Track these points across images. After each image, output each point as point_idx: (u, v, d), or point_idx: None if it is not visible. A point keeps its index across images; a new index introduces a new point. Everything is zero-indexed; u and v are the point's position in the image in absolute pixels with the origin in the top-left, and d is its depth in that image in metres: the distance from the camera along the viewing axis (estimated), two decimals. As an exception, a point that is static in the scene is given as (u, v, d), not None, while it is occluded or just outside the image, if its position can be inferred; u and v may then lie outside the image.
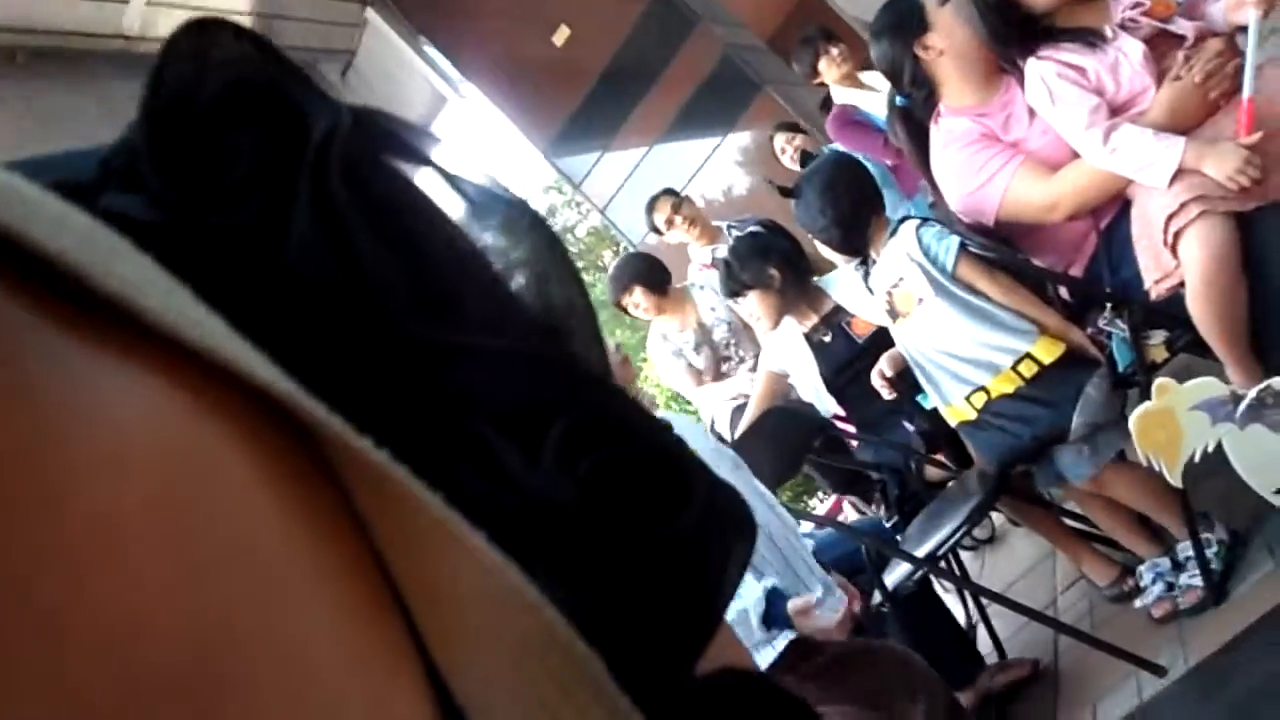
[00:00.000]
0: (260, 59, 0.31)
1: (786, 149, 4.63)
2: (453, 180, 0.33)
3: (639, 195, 5.53)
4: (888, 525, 2.94)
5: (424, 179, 0.33)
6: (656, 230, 4.67)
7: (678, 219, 4.54)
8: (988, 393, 2.52)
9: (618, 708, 0.28)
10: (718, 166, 6.37)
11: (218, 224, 0.28)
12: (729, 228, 4.70)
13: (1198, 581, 2.33)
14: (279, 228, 0.28)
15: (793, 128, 4.75)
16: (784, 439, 2.75)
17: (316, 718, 0.24)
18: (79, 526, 0.21)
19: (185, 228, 0.27)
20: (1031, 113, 2.55)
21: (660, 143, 6.33)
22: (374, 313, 0.28)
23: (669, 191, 4.67)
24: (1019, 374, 2.47)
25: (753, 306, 3.12)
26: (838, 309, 3.17)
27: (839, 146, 4.40)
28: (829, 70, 4.57)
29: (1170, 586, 2.47)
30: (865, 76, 4.64)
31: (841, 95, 4.59)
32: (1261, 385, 1.88)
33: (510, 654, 0.27)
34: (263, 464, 0.26)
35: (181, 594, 0.22)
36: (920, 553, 2.42)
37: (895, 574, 2.46)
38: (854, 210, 2.67)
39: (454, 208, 0.33)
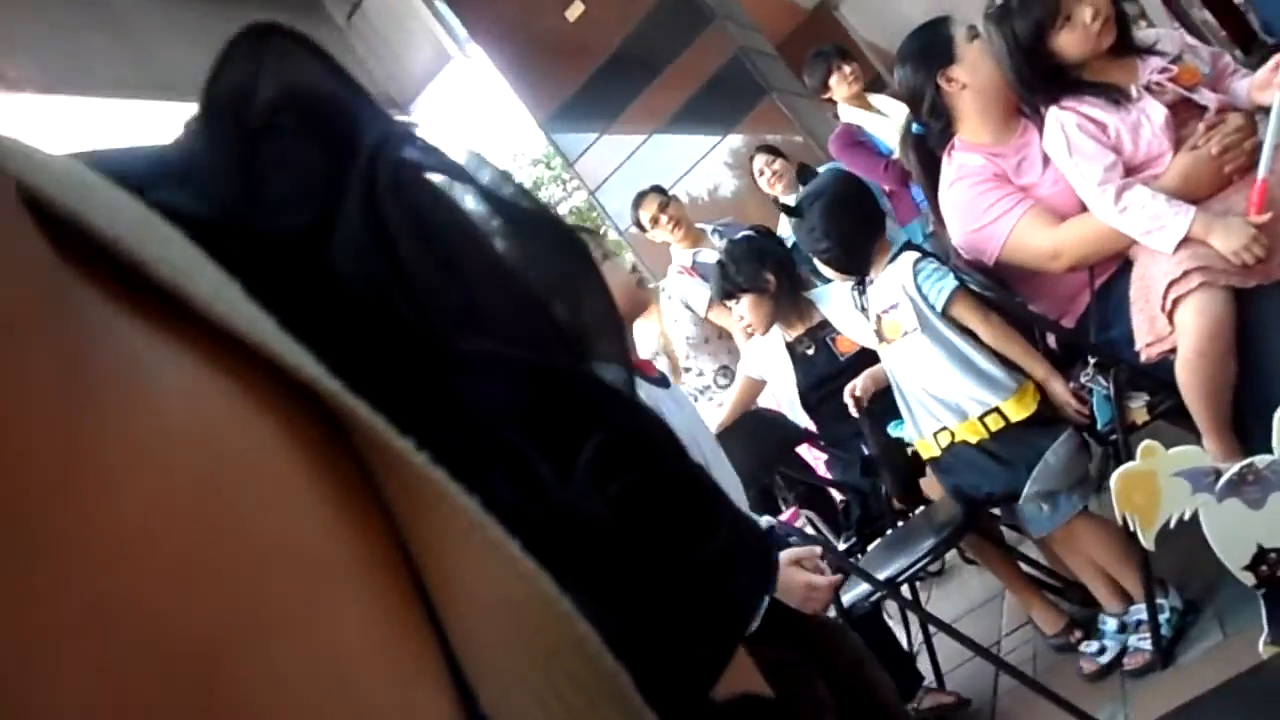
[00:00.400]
0: (316, 67, 0.32)
1: (765, 171, 4.62)
2: (495, 200, 0.34)
3: (631, 182, 5.51)
4: (843, 546, 2.95)
5: (466, 196, 0.33)
6: (640, 226, 4.65)
7: (663, 218, 4.54)
8: (952, 435, 2.55)
9: None
10: (712, 166, 6.37)
11: (267, 227, 0.28)
12: (714, 231, 4.70)
13: (1146, 645, 2.37)
14: (326, 234, 0.29)
15: (773, 150, 4.74)
16: (760, 442, 2.75)
17: (342, 712, 0.24)
18: (129, 513, 0.22)
19: (236, 227, 0.28)
20: (1045, 160, 2.56)
21: (659, 133, 6.31)
22: (414, 319, 0.29)
23: (657, 189, 4.66)
24: (984, 425, 2.50)
25: (744, 310, 3.12)
26: (824, 323, 3.17)
27: (838, 165, 4.42)
28: (839, 87, 4.58)
29: (1102, 650, 2.53)
30: (874, 99, 4.65)
31: (848, 114, 4.60)
32: (1244, 462, 1.90)
33: (538, 663, 0.27)
34: (304, 460, 0.26)
35: (222, 585, 0.23)
36: (881, 576, 2.43)
37: (853, 593, 2.48)
38: (858, 230, 2.68)
39: (494, 225, 0.33)
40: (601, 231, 6.47)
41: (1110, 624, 2.54)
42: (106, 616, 0.21)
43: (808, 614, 1.67)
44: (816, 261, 2.81)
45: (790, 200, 4.53)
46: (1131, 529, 2.03)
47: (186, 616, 0.22)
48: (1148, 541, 2.02)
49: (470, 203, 0.33)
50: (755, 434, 2.81)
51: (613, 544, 0.29)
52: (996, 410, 2.48)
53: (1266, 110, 2.31)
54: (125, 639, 0.21)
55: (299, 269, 0.28)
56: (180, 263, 0.25)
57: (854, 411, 2.88)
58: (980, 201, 2.60)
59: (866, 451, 2.92)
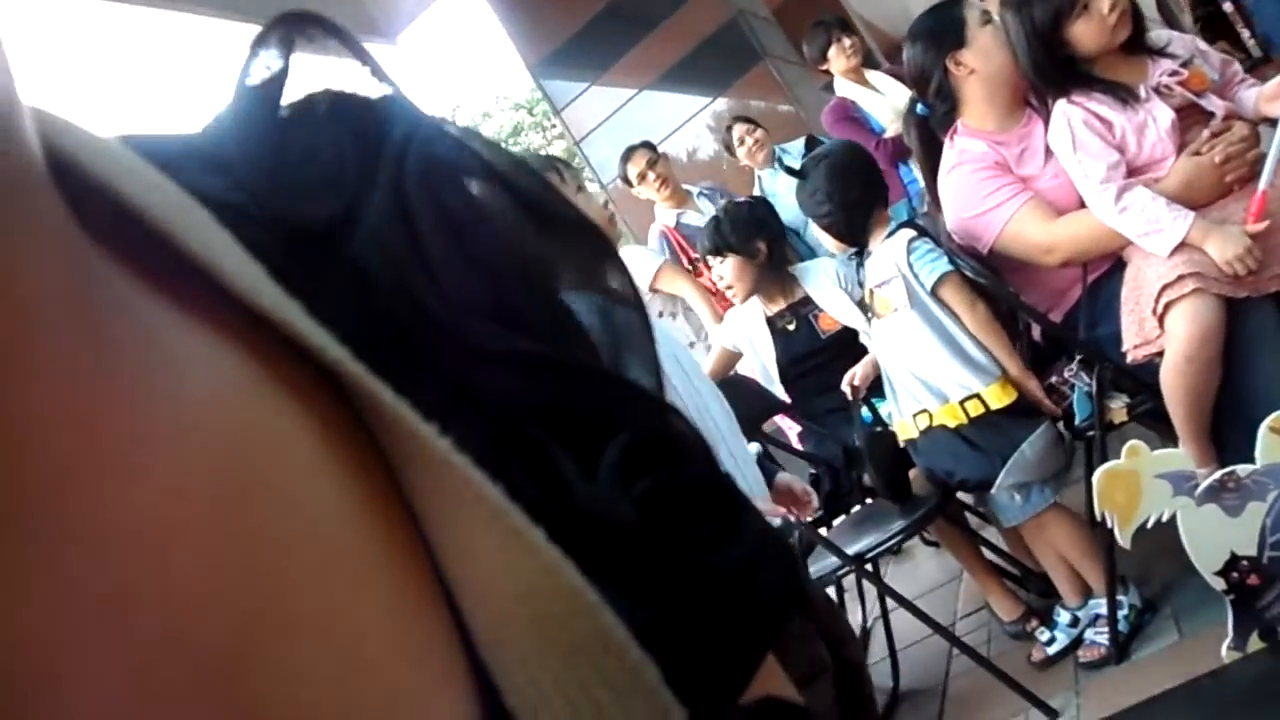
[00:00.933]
0: (347, 57, 0.32)
1: (746, 140, 4.59)
2: (520, 195, 0.33)
3: (617, 136, 5.46)
4: (809, 519, 2.97)
5: (492, 191, 0.33)
6: (627, 181, 4.61)
7: (651, 175, 4.50)
8: (930, 418, 2.56)
9: (672, 718, 0.27)
10: (699, 127, 6.32)
11: (294, 215, 0.28)
12: (700, 194, 4.68)
13: (1103, 638, 2.41)
14: (352, 224, 0.29)
15: (751, 120, 4.71)
16: (741, 408, 2.74)
17: (363, 708, 0.24)
18: (151, 502, 0.21)
19: (263, 214, 0.28)
20: (1048, 152, 2.56)
21: (650, 89, 6.25)
22: (439, 311, 0.28)
23: (647, 145, 4.62)
24: (964, 410, 2.51)
25: (728, 271, 3.10)
26: (807, 300, 3.17)
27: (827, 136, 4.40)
28: (838, 59, 4.55)
29: (1052, 640, 2.58)
30: (870, 76, 4.63)
31: (844, 88, 4.58)
32: (1225, 470, 1.93)
33: (563, 655, 0.26)
34: (328, 447, 0.26)
35: (245, 573, 0.23)
36: (850, 551, 2.45)
37: (820, 565, 2.49)
38: (860, 198, 2.67)
39: (518, 220, 0.33)
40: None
41: (1064, 616, 2.59)
42: (130, 609, 0.20)
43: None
44: (814, 227, 2.80)
45: (768, 172, 4.55)
46: (1109, 526, 2.06)
47: (211, 608, 0.22)
48: (1124, 540, 2.04)
49: (495, 197, 0.33)
50: (734, 401, 2.80)
51: (637, 545, 0.29)
52: (977, 396, 2.49)
53: (1272, 122, 2.32)
54: (149, 632, 0.21)
55: (324, 258, 0.28)
56: (208, 240, 0.25)
57: (850, 397, 2.90)
58: (980, 189, 2.60)
59: (856, 442, 2.92)
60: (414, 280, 0.28)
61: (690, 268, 4.31)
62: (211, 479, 0.23)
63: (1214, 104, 2.42)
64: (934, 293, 2.53)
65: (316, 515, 0.25)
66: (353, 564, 0.25)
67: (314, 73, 0.31)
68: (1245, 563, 1.90)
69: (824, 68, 4.64)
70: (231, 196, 0.28)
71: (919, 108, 2.81)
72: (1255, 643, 1.97)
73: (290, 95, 0.30)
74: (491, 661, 0.26)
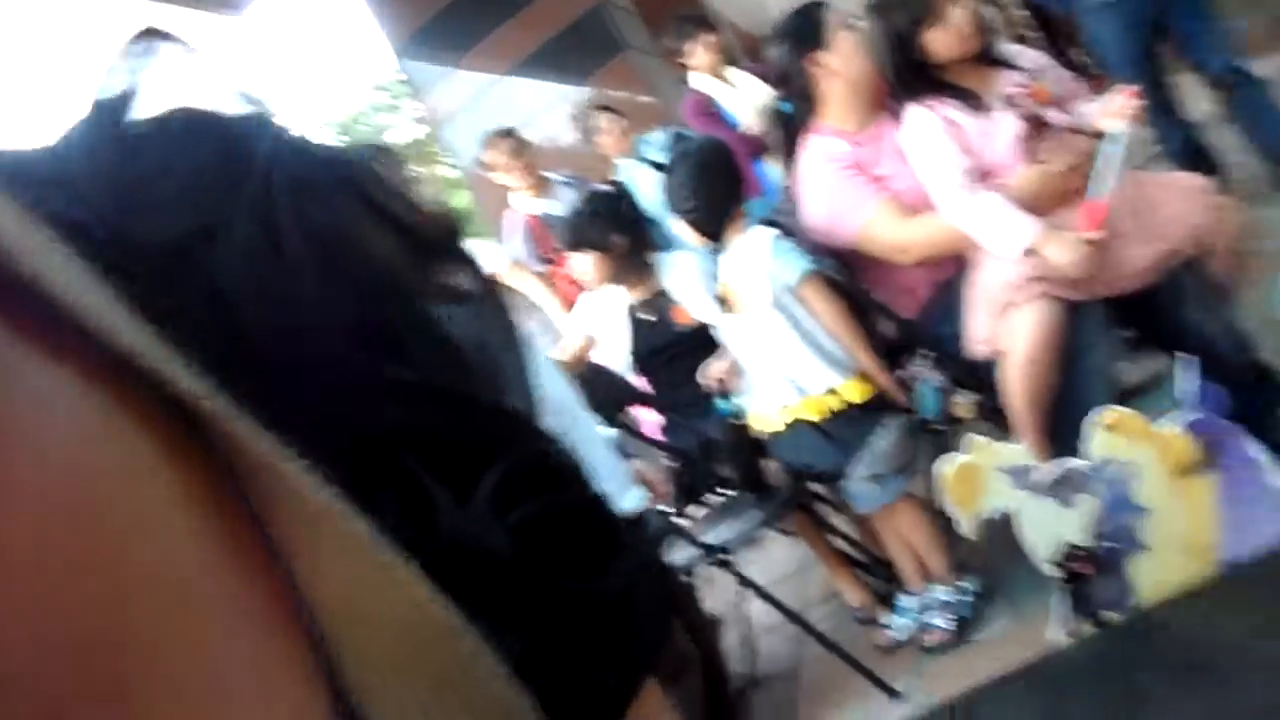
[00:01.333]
0: (201, 74, 0.31)
1: (614, 130, 4.60)
2: (398, 222, 0.33)
3: (478, 121, 5.38)
4: (670, 510, 3.00)
5: (366, 217, 0.32)
6: (487, 167, 4.56)
7: (512, 161, 4.45)
8: (793, 411, 2.63)
9: None
10: (558, 115, 6.29)
11: (144, 235, 0.27)
12: (564, 183, 4.66)
13: (944, 624, 2.52)
14: (210, 243, 0.28)
15: (613, 109, 4.74)
16: (598, 394, 2.75)
17: None
18: (9, 542, 0.20)
19: (108, 232, 0.27)
20: (903, 154, 2.65)
21: (512, 74, 6.18)
22: (305, 336, 0.27)
23: (509, 132, 4.56)
24: (824, 404, 2.58)
25: (585, 265, 3.11)
26: (665, 291, 3.20)
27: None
28: (699, 54, 4.58)
29: (899, 625, 2.69)
30: (728, 72, 4.69)
31: (699, 82, 4.61)
32: (1061, 462, 2.04)
33: (431, 688, 0.26)
34: (183, 483, 0.25)
35: (101, 615, 0.22)
36: (710, 541, 2.49)
37: (678, 558, 2.53)
38: (725, 194, 2.71)
39: (392, 246, 0.32)
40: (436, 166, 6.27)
41: (910, 602, 2.70)
42: None
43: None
44: (676, 221, 2.82)
45: (628, 162, 4.56)
46: (954, 517, 2.15)
47: (62, 650, 0.21)
48: (968, 530, 2.14)
49: (363, 216, 0.32)
50: (592, 387, 2.81)
51: (512, 574, 0.29)
52: (835, 391, 2.57)
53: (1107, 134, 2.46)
54: None
55: (179, 280, 0.27)
56: (49, 262, 0.23)
57: (711, 390, 2.94)
58: (838, 188, 2.67)
59: (711, 434, 2.96)
60: (280, 304, 0.27)
61: (550, 257, 4.30)
62: (58, 524, 0.21)
63: (1056, 117, 2.54)
64: (794, 290, 2.59)
65: (172, 559, 0.24)
66: (212, 609, 0.24)
67: (174, 90, 0.30)
68: (1078, 552, 2.01)
69: (682, 61, 4.68)
70: (73, 214, 0.26)
71: (783, 106, 2.87)
72: (1087, 628, 2.09)
73: (145, 111, 0.29)
74: (359, 694, 0.26)
